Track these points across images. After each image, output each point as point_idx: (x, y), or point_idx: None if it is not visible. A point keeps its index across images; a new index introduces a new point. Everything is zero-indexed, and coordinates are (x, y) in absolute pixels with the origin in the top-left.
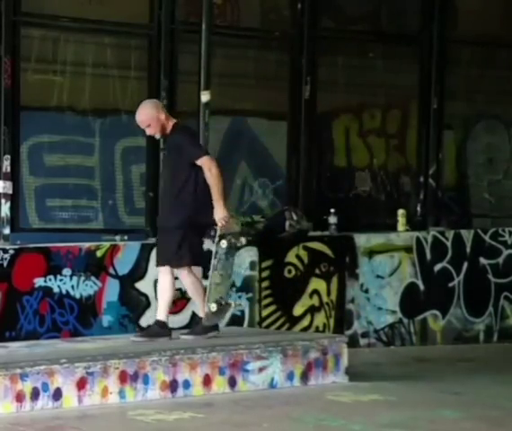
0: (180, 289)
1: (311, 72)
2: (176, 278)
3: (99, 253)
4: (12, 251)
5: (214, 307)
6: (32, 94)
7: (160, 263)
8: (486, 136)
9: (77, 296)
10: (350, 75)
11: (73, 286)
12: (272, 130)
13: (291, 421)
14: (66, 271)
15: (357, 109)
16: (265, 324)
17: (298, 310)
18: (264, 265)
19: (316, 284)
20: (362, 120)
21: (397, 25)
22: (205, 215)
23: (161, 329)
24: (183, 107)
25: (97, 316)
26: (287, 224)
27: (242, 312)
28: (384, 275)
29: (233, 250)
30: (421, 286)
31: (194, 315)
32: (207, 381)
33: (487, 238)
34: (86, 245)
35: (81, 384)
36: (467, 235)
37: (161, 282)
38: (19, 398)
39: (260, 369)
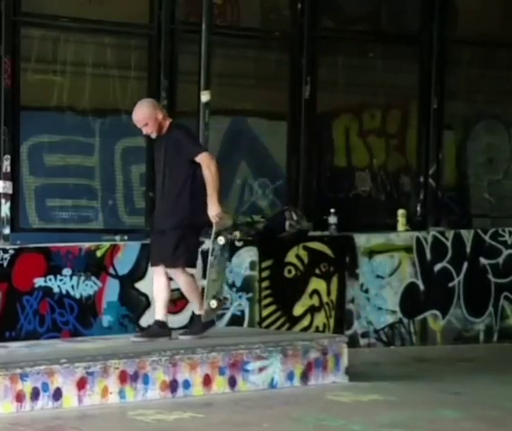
0: (178, 289)
1: (311, 72)
2: (171, 279)
3: (99, 253)
4: (12, 251)
5: (214, 304)
6: (32, 94)
7: (154, 263)
8: (486, 136)
9: (77, 296)
10: (350, 75)
11: (73, 286)
12: (272, 130)
13: (291, 421)
14: (66, 271)
15: (357, 109)
16: (265, 324)
17: (298, 310)
18: (264, 265)
19: (316, 284)
20: (362, 120)
21: (397, 25)
22: (202, 214)
23: (161, 329)
24: (183, 107)
25: (97, 316)
26: (287, 224)
27: (242, 312)
28: (384, 275)
29: (227, 245)
30: (421, 286)
31: (194, 315)
32: (207, 381)
33: (487, 238)
34: (86, 245)
35: (81, 384)
36: (467, 235)
37: (156, 282)
38: (19, 398)
39: (260, 369)
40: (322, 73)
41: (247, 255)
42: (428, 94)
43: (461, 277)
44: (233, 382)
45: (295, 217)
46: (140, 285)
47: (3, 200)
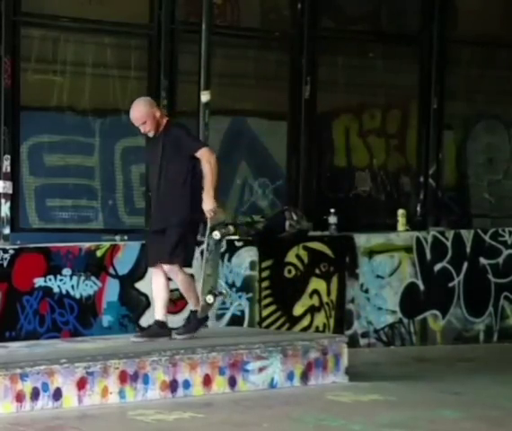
0: (178, 290)
1: (311, 72)
2: (170, 279)
3: (99, 253)
4: (12, 251)
5: (211, 299)
6: (32, 94)
7: (152, 263)
8: (486, 136)
9: (77, 296)
10: (350, 75)
11: (73, 286)
12: (272, 130)
13: (291, 421)
14: (66, 271)
15: (357, 109)
16: (265, 324)
17: (298, 310)
18: (264, 265)
19: (316, 284)
20: (362, 120)
21: (397, 25)
22: (200, 210)
23: (160, 329)
24: (183, 107)
25: (97, 316)
26: (287, 224)
27: (242, 312)
28: (384, 275)
29: (222, 240)
30: (421, 286)
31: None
32: (207, 381)
33: (487, 238)
34: (86, 245)
35: (81, 384)
36: (467, 235)
37: (155, 282)
38: (19, 398)
39: (260, 369)
40: (322, 73)
41: (247, 255)
42: (428, 94)
43: (461, 277)
44: (233, 382)
45: (295, 217)
46: (140, 285)
47: (3, 200)
